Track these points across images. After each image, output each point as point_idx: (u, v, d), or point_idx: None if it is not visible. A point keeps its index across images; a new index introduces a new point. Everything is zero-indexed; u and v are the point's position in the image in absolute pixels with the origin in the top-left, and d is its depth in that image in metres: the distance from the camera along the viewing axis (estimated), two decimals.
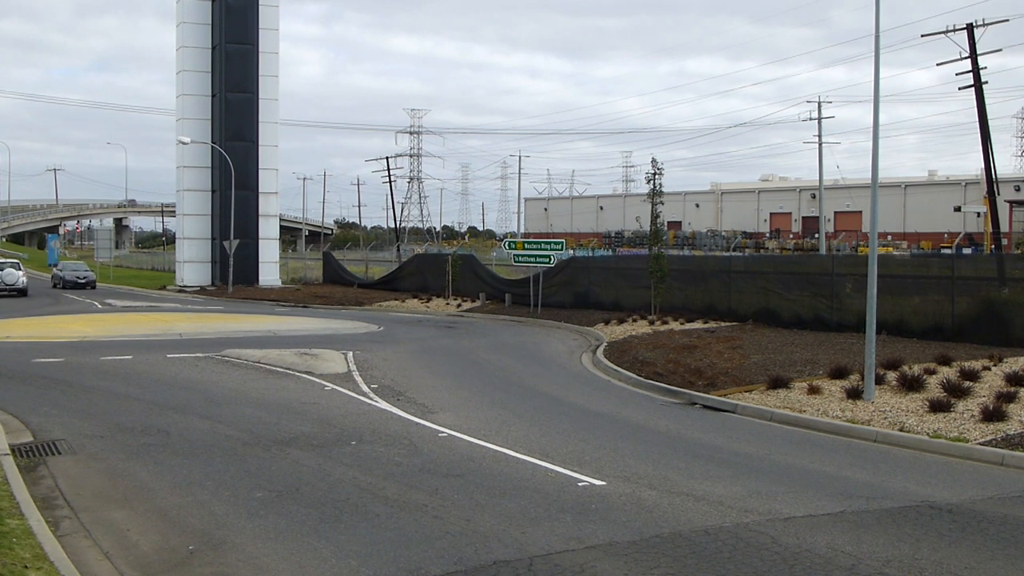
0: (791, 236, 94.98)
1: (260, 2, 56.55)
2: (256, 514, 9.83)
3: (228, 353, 23.34)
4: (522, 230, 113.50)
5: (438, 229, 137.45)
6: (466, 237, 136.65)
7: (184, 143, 54.17)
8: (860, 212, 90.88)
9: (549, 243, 38.91)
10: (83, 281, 56.00)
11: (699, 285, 32.22)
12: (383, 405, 16.68)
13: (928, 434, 13.83)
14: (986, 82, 33.21)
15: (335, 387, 18.62)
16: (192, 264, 57.31)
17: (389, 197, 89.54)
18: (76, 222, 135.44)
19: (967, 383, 16.30)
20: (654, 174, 32.93)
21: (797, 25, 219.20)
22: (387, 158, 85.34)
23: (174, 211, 65.70)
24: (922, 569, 8.23)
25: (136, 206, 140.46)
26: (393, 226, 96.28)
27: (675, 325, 29.22)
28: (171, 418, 15.05)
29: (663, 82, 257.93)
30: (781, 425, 15.45)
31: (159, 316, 35.79)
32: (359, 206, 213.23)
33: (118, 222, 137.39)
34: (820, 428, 14.98)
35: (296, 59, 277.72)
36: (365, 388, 18.56)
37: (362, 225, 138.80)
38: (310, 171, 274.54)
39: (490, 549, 8.65)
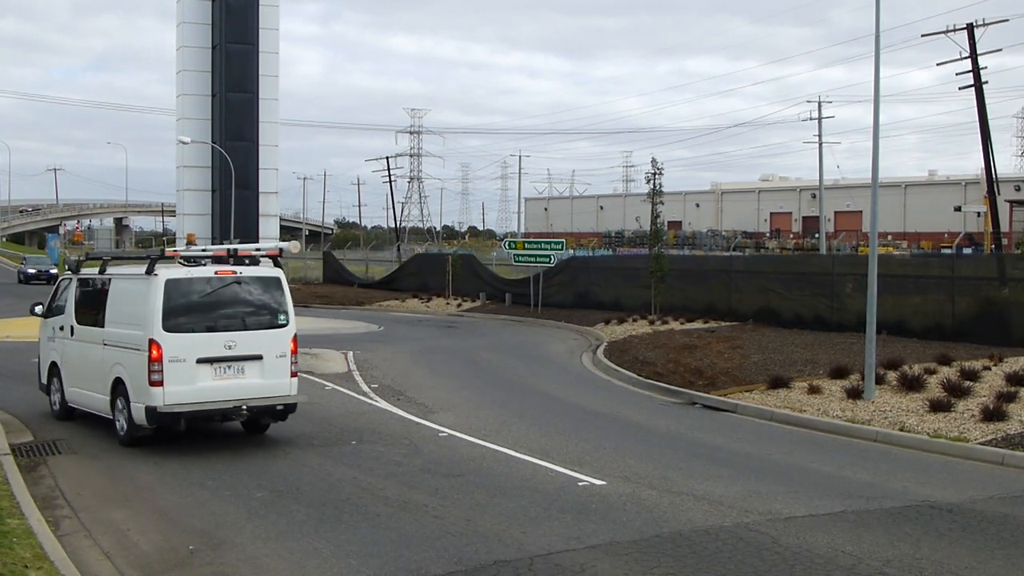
0: (791, 236, 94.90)
1: (260, 2, 56.44)
2: (256, 514, 9.83)
3: None
4: (522, 230, 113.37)
5: (438, 229, 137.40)
6: (466, 237, 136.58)
7: (184, 143, 54.02)
8: (860, 212, 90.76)
9: (549, 243, 38.94)
10: None
11: (699, 285, 32.22)
12: (383, 405, 16.69)
13: (928, 434, 13.83)
14: (986, 82, 33.22)
15: (335, 387, 18.62)
16: None
17: (389, 197, 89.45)
18: (76, 222, 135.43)
19: (967, 383, 16.30)
20: (654, 174, 32.95)
21: (797, 25, 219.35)
22: (387, 158, 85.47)
23: (174, 211, 65.73)
24: (922, 569, 8.23)
25: (38, 212, 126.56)
26: (393, 226, 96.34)
27: (675, 325, 29.22)
28: None
29: (663, 82, 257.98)
30: (781, 425, 15.45)
31: None
32: (359, 206, 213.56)
33: (118, 222, 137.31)
34: (820, 428, 14.98)
35: (295, 58, 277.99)
36: (365, 388, 18.56)
37: (362, 225, 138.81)
38: (310, 171, 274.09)
39: (490, 549, 8.65)
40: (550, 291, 37.33)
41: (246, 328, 12.78)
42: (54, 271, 65.83)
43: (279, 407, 12.91)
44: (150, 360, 12.04)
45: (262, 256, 13.85)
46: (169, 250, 13.44)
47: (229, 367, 12.52)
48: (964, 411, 14.77)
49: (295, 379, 13.15)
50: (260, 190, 57.02)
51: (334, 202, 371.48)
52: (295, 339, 13.16)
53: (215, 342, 12.46)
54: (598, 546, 8.74)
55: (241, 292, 12.95)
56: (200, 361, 12.32)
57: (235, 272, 12.97)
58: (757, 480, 11.44)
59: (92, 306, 13.78)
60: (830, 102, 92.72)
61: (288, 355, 12.94)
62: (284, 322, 13.05)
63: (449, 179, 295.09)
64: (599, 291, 36.22)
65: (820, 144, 64.83)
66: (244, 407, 12.51)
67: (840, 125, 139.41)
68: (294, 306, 13.38)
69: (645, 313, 31.53)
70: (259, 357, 12.69)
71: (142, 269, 12.80)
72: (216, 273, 12.84)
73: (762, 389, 17.60)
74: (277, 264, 13.78)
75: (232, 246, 14.26)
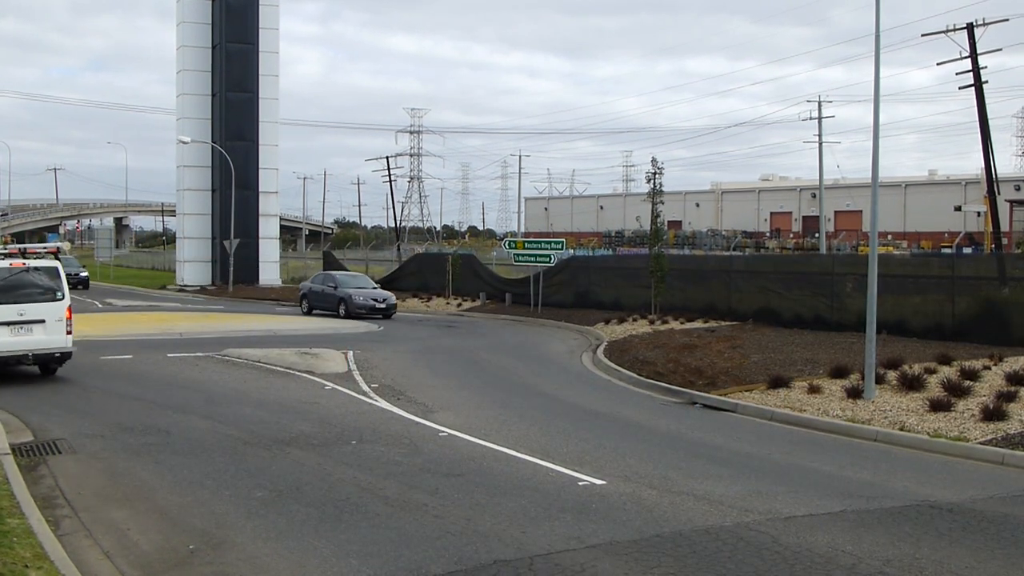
0: (791, 236, 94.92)
1: (260, 1, 56.51)
2: (256, 513, 9.83)
3: (229, 352, 23.35)
4: (522, 230, 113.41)
5: (438, 229, 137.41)
6: (466, 236, 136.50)
7: (184, 143, 54.16)
8: (860, 212, 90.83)
9: (549, 242, 38.93)
10: (383, 305, 36.57)
11: (699, 285, 32.22)
12: (383, 404, 16.69)
13: (928, 433, 13.83)
14: (986, 82, 33.21)
15: (335, 386, 18.62)
16: (192, 263, 57.30)
17: (389, 197, 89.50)
18: (76, 222, 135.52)
19: (967, 382, 16.31)
20: (654, 173, 32.96)
21: (797, 25, 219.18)
22: (387, 157, 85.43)
23: (174, 211, 65.72)
24: (922, 569, 8.24)
25: (4, 219, 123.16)
26: (393, 225, 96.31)
27: (675, 324, 29.22)
28: (172, 417, 15.06)
29: (662, 82, 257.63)
30: (781, 424, 15.45)
31: (159, 315, 35.80)
32: (359, 205, 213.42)
33: (118, 221, 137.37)
34: (820, 427, 14.99)
35: (294, 58, 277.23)
36: (365, 387, 18.56)
37: (362, 224, 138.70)
38: (310, 171, 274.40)
39: (490, 548, 8.65)
40: (550, 291, 37.34)
41: (33, 301, 18.16)
42: None
43: (57, 355, 18.54)
44: None
45: (45, 253, 19.37)
46: None
47: (21, 328, 17.96)
48: (964, 411, 14.77)
49: (70, 336, 18.67)
50: (260, 190, 57.22)
51: (334, 202, 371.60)
52: (69, 309, 18.65)
53: (11, 311, 17.84)
54: (598, 546, 8.74)
55: (30, 278, 18.33)
56: (1, 324, 17.68)
57: (24, 264, 18.32)
58: (757, 480, 11.44)
59: None
60: (830, 102, 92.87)
61: (64, 320, 18.44)
62: (60, 297, 18.53)
63: (449, 179, 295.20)
64: (599, 291, 36.22)
65: (820, 144, 64.87)
66: (30, 355, 18.10)
67: (840, 125, 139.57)
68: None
69: (645, 313, 31.54)
70: (42, 321, 18.18)
71: None
72: (11, 265, 18.15)
73: (762, 389, 17.61)
74: (56, 258, 19.24)
75: (23, 246, 22.26)
